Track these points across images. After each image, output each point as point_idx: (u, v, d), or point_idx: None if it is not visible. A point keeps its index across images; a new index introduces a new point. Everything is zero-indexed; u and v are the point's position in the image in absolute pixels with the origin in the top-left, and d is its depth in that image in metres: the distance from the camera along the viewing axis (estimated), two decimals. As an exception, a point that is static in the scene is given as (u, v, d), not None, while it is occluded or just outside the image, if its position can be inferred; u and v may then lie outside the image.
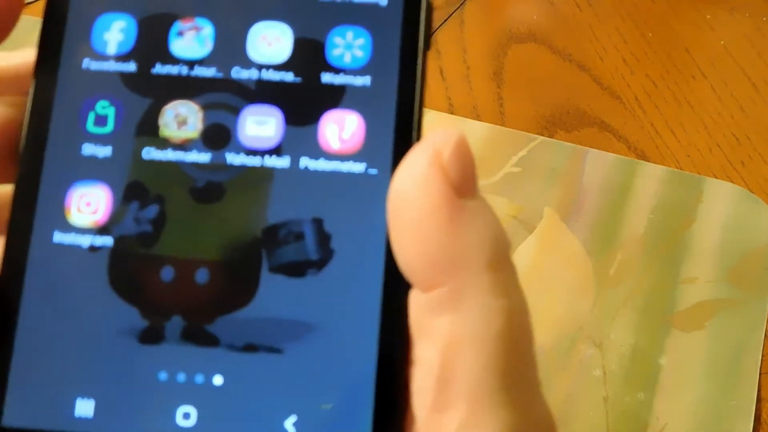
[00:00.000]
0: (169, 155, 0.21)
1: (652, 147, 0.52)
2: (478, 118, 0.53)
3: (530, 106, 0.54)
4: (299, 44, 0.21)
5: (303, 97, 0.21)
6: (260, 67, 0.21)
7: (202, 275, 0.20)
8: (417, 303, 0.18)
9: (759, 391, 0.42)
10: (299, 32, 0.21)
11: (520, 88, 0.55)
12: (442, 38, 0.58)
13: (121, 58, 0.21)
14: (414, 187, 0.18)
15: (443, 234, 0.18)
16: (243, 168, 0.21)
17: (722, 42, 0.57)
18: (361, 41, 0.21)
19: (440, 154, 0.18)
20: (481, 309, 0.18)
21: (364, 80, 0.21)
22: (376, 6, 0.21)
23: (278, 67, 0.21)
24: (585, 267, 0.46)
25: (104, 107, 0.21)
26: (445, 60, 0.56)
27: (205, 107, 0.21)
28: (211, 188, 0.21)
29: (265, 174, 0.21)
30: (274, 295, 0.20)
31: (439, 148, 0.18)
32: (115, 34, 0.22)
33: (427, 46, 0.21)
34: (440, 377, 0.18)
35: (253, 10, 0.22)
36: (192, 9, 0.22)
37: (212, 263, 0.20)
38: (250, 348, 0.20)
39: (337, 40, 0.21)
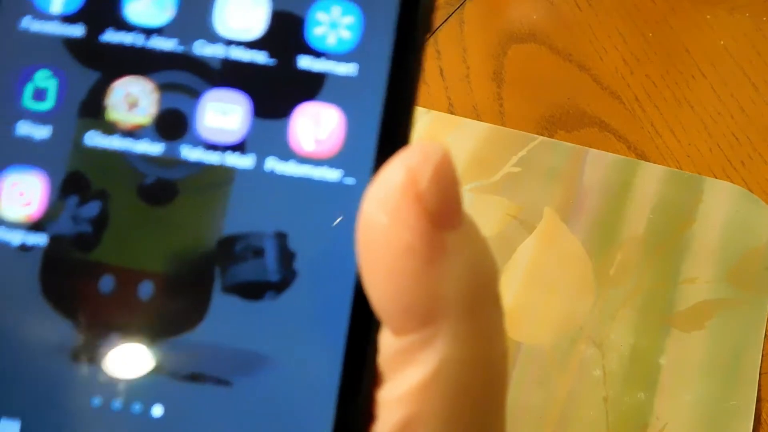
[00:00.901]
0: (115, 143, 0.18)
1: (652, 147, 0.52)
2: (478, 118, 0.53)
3: (530, 106, 0.54)
4: (276, 18, 0.18)
5: (275, 84, 0.18)
6: (228, 42, 0.18)
7: (145, 289, 0.18)
8: (387, 343, 0.16)
9: (759, 391, 0.42)
10: (277, 2, 0.18)
11: (520, 88, 0.55)
12: (442, 38, 0.58)
13: (68, 19, 0.18)
14: (384, 218, 0.15)
15: (418, 278, 0.15)
16: (199, 165, 0.18)
17: (722, 42, 0.57)
18: (349, 20, 0.18)
19: (416, 180, 0.15)
20: (454, 362, 0.15)
21: (348, 68, 0.18)
22: None
23: (249, 44, 0.18)
24: (585, 267, 0.46)
25: (45, 78, 0.18)
26: (445, 60, 0.56)
27: (161, 88, 0.18)
28: (161, 187, 0.18)
29: (225, 175, 0.18)
30: (226, 318, 0.17)
31: (416, 171, 0.15)
32: None
33: (428, 28, 0.18)
34: (400, 426, 0.16)
35: None
36: None
37: (158, 276, 0.18)
38: (195, 377, 0.17)
39: (321, 16, 0.18)
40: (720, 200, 0.48)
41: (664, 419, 0.41)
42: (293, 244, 0.17)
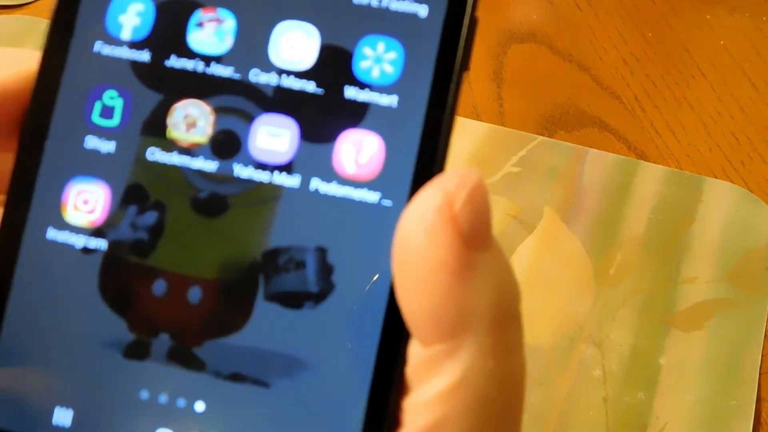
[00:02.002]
0: (174, 159, 0.20)
1: (651, 147, 0.52)
2: (477, 118, 0.53)
3: (530, 106, 0.54)
4: (325, 51, 0.20)
5: (322, 112, 0.19)
6: (281, 72, 0.20)
7: (195, 294, 0.19)
8: (415, 353, 0.18)
9: (759, 390, 0.42)
10: (327, 37, 0.20)
11: (520, 88, 0.55)
12: (442, 38, 0.58)
13: (135, 45, 0.20)
14: (421, 236, 0.17)
15: (449, 292, 0.17)
16: (250, 182, 0.19)
17: (722, 42, 0.57)
18: (392, 55, 0.19)
19: (452, 202, 0.17)
20: (478, 372, 0.17)
21: (390, 100, 0.19)
22: (414, 16, 0.20)
23: (300, 75, 0.20)
24: (585, 267, 0.46)
25: (112, 98, 0.20)
26: (445, 60, 0.56)
27: (217, 110, 0.20)
28: (214, 201, 0.19)
29: (273, 192, 0.19)
30: (267, 324, 0.19)
31: (452, 195, 0.17)
32: (131, 17, 0.20)
33: (466, 66, 0.19)
34: (425, 431, 0.17)
35: (281, 6, 0.20)
36: None
37: (207, 282, 0.19)
38: (237, 377, 0.19)
39: (367, 51, 0.20)
40: (720, 200, 0.48)
41: (664, 419, 0.41)
42: (332, 258, 0.19)
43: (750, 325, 0.44)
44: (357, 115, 0.19)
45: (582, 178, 0.49)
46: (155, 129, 0.20)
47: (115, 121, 0.20)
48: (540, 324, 0.44)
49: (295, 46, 0.20)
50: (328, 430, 0.18)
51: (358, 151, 0.19)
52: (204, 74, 0.20)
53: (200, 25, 0.20)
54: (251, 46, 0.20)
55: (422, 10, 0.20)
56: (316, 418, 0.18)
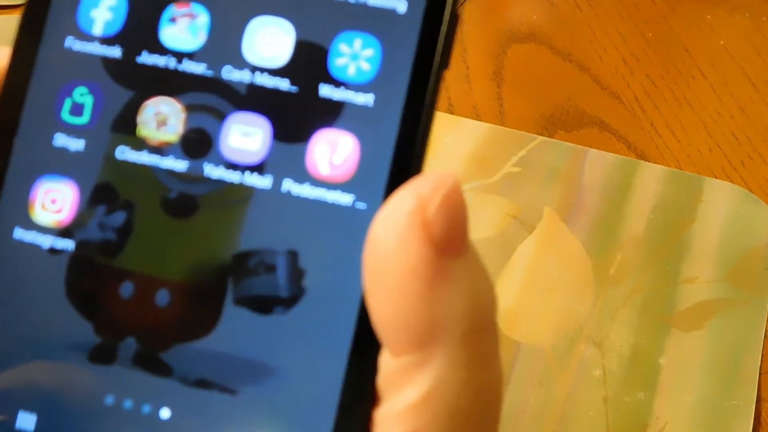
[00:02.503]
0: (144, 158, 0.19)
1: (651, 147, 0.52)
2: (477, 117, 0.53)
3: (530, 106, 0.54)
4: (301, 47, 0.19)
5: (296, 110, 0.19)
6: (254, 69, 0.19)
7: (162, 296, 0.19)
8: (386, 363, 0.17)
9: (759, 390, 0.42)
10: (302, 33, 0.19)
11: (520, 88, 0.55)
12: (442, 38, 0.58)
13: (107, 40, 0.20)
14: (392, 242, 0.16)
15: (419, 300, 0.16)
16: (221, 183, 0.19)
17: (722, 42, 0.57)
18: (369, 52, 0.19)
19: (425, 207, 0.16)
20: (449, 384, 0.16)
21: (366, 98, 0.19)
22: (393, 12, 0.19)
23: (274, 72, 0.19)
24: (585, 267, 0.46)
25: (82, 94, 0.19)
26: (445, 60, 0.56)
27: (189, 108, 0.19)
28: (184, 201, 0.19)
29: (244, 193, 0.19)
30: (236, 329, 0.18)
31: (425, 199, 0.16)
32: (103, 12, 0.20)
33: (445, 64, 0.19)
34: None
35: (256, 0, 0.19)
36: None
37: (175, 285, 0.19)
38: (203, 384, 0.18)
39: (343, 47, 0.19)
40: (720, 200, 0.48)
41: (664, 419, 0.41)
42: (304, 262, 0.18)
43: (750, 325, 0.44)
44: (332, 114, 0.19)
45: (582, 178, 0.49)
46: (125, 127, 0.19)
47: (84, 118, 0.19)
48: (540, 324, 0.44)
49: (269, 42, 0.19)
50: None
51: (332, 152, 0.19)
52: (176, 71, 0.19)
53: (173, 20, 0.20)
54: (225, 42, 0.19)
55: (401, 6, 0.19)
56: (284, 427, 0.18)
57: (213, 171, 0.19)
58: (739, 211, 0.48)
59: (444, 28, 0.19)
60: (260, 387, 0.18)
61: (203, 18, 0.20)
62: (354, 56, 0.19)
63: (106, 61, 0.19)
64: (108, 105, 0.19)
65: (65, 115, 0.19)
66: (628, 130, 0.53)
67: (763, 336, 0.43)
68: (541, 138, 0.51)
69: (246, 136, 0.19)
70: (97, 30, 0.20)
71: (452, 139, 0.51)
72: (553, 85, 0.55)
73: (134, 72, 0.19)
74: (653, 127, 0.53)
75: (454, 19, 0.19)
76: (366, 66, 0.19)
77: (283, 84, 0.19)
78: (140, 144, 0.19)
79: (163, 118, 0.19)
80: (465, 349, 0.16)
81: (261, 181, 0.19)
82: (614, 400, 0.41)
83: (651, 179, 0.49)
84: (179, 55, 0.19)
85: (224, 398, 0.18)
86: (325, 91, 0.19)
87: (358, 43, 0.19)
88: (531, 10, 0.59)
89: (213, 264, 0.19)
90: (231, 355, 0.18)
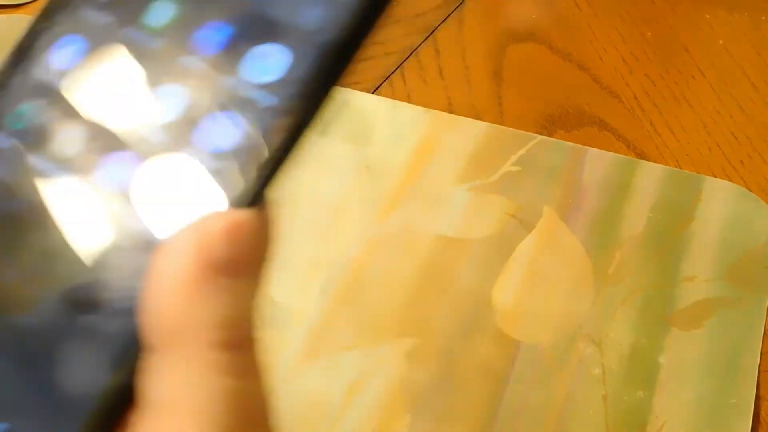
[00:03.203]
0: None
1: (651, 146, 0.52)
2: (477, 117, 0.53)
3: (529, 105, 0.54)
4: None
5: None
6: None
7: None
8: (144, 364, 0.18)
9: (758, 389, 0.42)
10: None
11: (520, 88, 0.55)
12: (441, 37, 0.58)
13: None
14: (169, 253, 0.17)
15: (179, 304, 0.17)
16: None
17: (721, 41, 0.57)
18: (275, 57, 0.18)
19: (206, 230, 0.17)
20: (198, 384, 0.17)
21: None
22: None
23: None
24: (584, 266, 0.46)
25: None
26: (444, 59, 0.56)
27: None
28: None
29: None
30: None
31: (210, 226, 0.17)
32: None
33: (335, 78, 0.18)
34: None
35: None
36: None
37: None
38: None
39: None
40: (719, 199, 0.48)
41: (664, 418, 0.41)
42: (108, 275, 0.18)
43: (749, 324, 0.44)
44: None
45: (581, 177, 0.49)
46: None
47: None
48: (539, 323, 0.44)
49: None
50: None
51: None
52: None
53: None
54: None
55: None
56: (41, 417, 0.18)
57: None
58: (739, 210, 0.48)
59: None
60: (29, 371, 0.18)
61: None
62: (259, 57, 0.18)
63: None
64: None
65: None
66: (627, 129, 0.53)
67: (762, 334, 0.43)
68: (540, 137, 0.51)
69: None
70: None
71: (452, 138, 0.51)
72: (553, 84, 0.55)
73: None
74: (653, 127, 0.53)
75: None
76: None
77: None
78: None
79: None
80: (219, 354, 0.17)
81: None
82: (613, 399, 0.41)
83: (650, 178, 0.49)
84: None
85: None
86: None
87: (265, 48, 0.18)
88: (530, 9, 0.59)
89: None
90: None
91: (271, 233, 0.18)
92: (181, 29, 0.19)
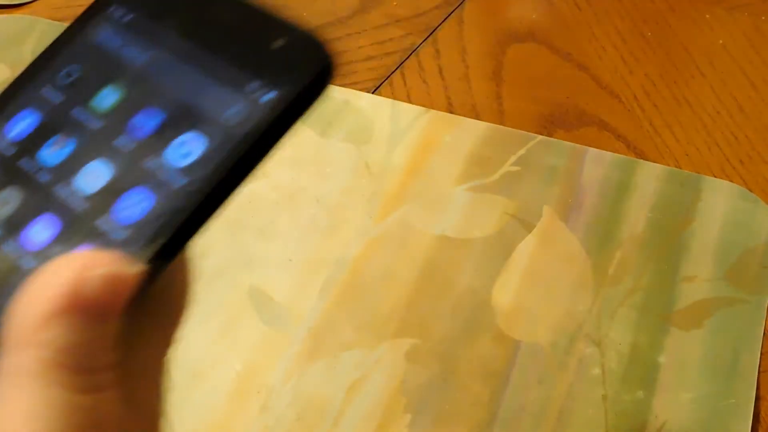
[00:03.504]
0: None
1: (651, 146, 0.52)
2: (477, 117, 0.53)
3: (529, 105, 0.54)
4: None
5: None
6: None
7: None
8: None
9: (758, 389, 0.42)
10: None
11: (520, 87, 0.55)
12: (442, 37, 0.58)
13: None
14: (40, 275, 0.19)
15: (30, 316, 0.18)
16: None
17: (721, 41, 0.57)
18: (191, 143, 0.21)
19: (88, 267, 0.19)
20: (31, 392, 0.18)
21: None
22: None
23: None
24: (584, 266, 0.46)
25: None
26: (444, 59, 0.56)
27: None
28: None
29: None
30: None
31: (89, 260, 0.19)
32: None
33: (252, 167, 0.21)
34: None
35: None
36: None
37: None
38: None
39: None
40: (719, 199, 0.48)
41: (663, 417, 0.41)
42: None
43: (749, 324, 0.44)
44: None
45: (581, 177, 0.49)
46: None
47: None
48: (539, 323, 0.44)
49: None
50: None
51: None
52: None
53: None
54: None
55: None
56: None
57: None
58: (738, 209, 0.48)
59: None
60: None
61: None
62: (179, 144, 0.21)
63: None
64: None
65: None
66: (627, 129, 0.53)
67: (761, 334, 0.43)
68: (540, 137, 0.51)
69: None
70: None
71: (452, 138, 0.51)
72: (553, 84, 0.55)
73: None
74: (652, 126, 0.53)
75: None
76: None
77: None
78: None
79: None
80: (56, 374, 0.18)
81: None
82: (613, 399, 0.41)
83: (650, 178, 0.49)
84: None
85: None
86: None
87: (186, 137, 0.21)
88: (530, 9, 0.59)
89: None
90: None
91: (180, 292, 0.20)
92: (121, 113, 0.21)
